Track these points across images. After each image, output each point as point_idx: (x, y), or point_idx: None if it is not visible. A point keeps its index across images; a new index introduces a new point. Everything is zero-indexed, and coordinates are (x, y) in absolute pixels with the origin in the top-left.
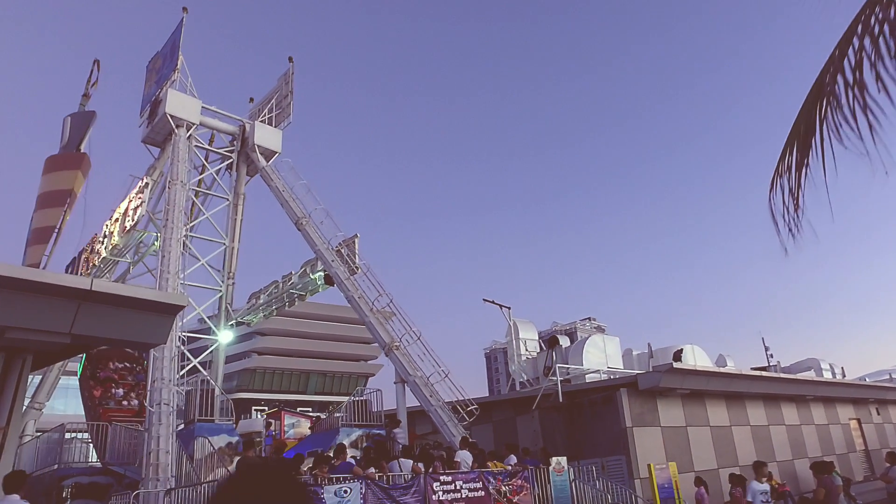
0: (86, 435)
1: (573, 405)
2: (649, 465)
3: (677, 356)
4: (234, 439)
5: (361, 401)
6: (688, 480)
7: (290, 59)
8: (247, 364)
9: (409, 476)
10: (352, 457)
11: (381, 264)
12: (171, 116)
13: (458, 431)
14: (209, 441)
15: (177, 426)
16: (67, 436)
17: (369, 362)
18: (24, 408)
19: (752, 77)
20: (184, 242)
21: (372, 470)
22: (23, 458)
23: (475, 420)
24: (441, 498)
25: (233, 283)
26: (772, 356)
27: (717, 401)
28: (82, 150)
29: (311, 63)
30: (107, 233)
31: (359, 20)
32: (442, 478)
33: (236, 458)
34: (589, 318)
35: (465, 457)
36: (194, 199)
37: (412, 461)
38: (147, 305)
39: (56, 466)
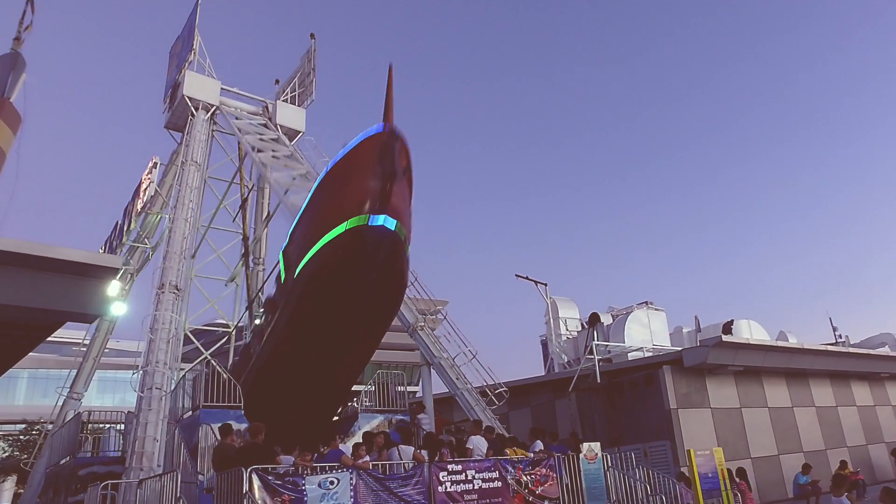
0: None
1: (613, 386)
2: (689, 452)
3: (727, 328)
4: (244, 426)
5: (383, 385)
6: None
7: (312, 37)
8: None
9: (411, 465)
10: (355, 443)
11: (424, 247)
12: (189, 98)
13: (486, 416)
14: (213, 429)
15: (183, 415)
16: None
17: (448, 355)
18: (63, 398)
19: (817, 44)
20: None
21: (367, 458)
22: (53, 447)
23: (513, 405)
24: (449, 489)
25: (262, 270)
26: (840, 336)
27: (777, 379)
28: (9, 99)
29: (337, 42)
30: (127, 218)
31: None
32: (450, 466)
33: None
34: (646, 303)
35: (478, 443)
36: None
37: (414, 448)
38: (66, 267)
39: (70, 457)
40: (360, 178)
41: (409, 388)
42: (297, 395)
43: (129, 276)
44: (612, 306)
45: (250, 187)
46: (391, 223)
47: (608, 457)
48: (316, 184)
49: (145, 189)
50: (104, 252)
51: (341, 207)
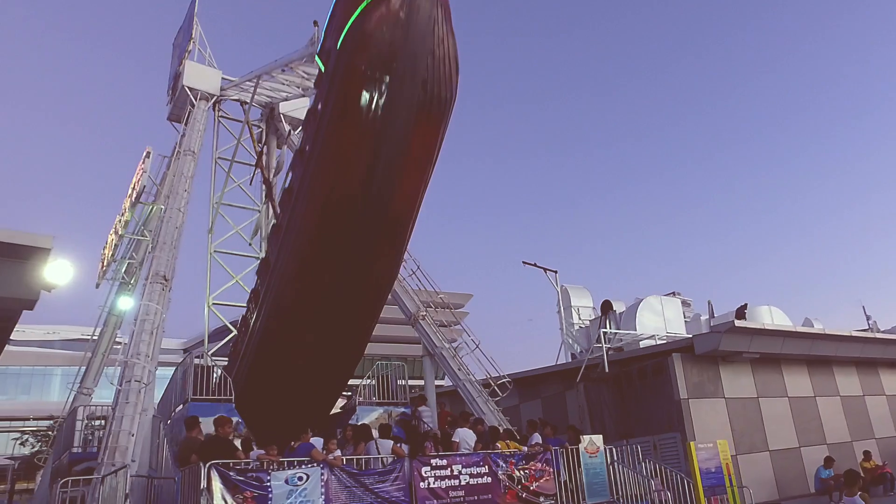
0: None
1: (621, 376)
2: (689, 445)
3: (741, 313)
4: (235, 419)
5: (383, 377)
6: (760, 461)
7: (316, 24)
8: None
9: (389, 459)
10: (327, 436)
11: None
12: (189, 89)
13: (488, 408)
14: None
15: (175, 409)
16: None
17: (450, 345)
18: (74, 393)
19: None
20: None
21: (338, 453)
22: (58, 442)
23: (524, 396)
24: (432, 485)
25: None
26: (875, 323)
27: (798, 367)
28: None
29: None
30: (123, 210)
31: None
32: (434, 461)
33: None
34: (673, 293)
35: (465, 436)
36: (225, 169)
37: (393, 441)
38: None
39: (68, 452)
40: None
41: (414, 382)
42: (295, 354)
43: (136, 269)
44: (638, 297)
45: (263, 140)
46: None
47: (614, 450)
48: None
49: (138, 179)
50: (113, 248)
51: None
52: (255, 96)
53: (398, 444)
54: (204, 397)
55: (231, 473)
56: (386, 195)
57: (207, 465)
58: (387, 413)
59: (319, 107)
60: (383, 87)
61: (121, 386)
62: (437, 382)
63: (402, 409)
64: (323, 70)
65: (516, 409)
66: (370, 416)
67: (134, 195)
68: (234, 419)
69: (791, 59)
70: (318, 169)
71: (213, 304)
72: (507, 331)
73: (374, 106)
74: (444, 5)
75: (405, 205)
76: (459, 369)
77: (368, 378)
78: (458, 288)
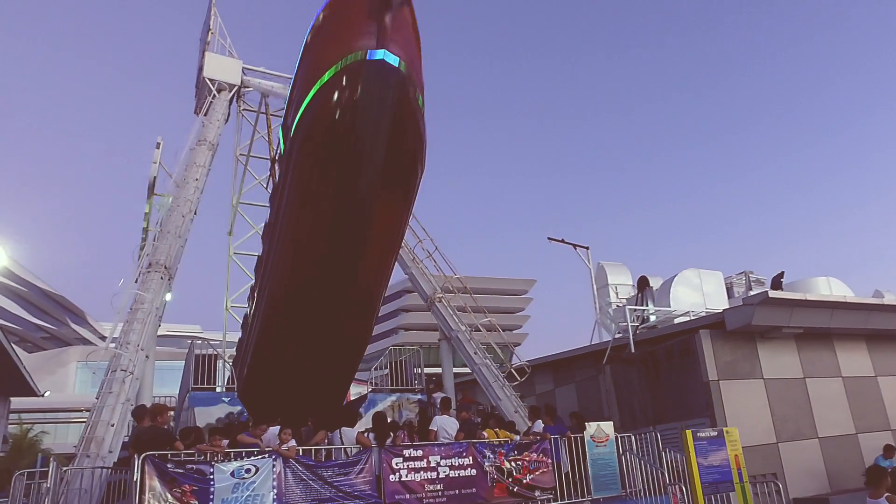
0: None
1: (648, 357)
2: (686, 434)
3: (777, 283)
4: (237, 409)
5: (397, 364)
6: (807, 450)
7: None
8: (394, 340)
9: (354, 450)
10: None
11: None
12: (209, 80)
13: (504, 394)
14: (194, 413)
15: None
16: None
17: (514, 332)
18: None
19: None
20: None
21: (293, 443)
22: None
23: (559, 381)
24: (404, 478)
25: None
26: None
27: (853, 343)
28: None
29: None
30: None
31: None
32: (406, 452)
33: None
34: (744, 273)
35: (445, 424)
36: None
37: (359, 431)
38: None
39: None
40: (350, 14)
41: (433, 370)
42: (299, 341)
43: None
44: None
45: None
46: (393, 59)
47: (633, 438)
48: (304, 40)
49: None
50: (143, 242)
51: (332, 51)
52: (274, 84)
53: (365, 434)
54: (205, 386)
55: (168, 465)
56: (349, 272)
57: (141, 457)
58: (400, 400)
59: (280, 186)
60: (339, 173)
61: (106, 375)
62: (457, 370)
63: (418, 396)
64: (283, 148)
65: (551, 394)
66: (384, 404)
67: (148, 187)
68: (237, 408)
69: (856, 20)
70: (280, 248)
71: (232, 307)
72: (574, 311)
73: (330, 192)
74: (403, 84)
75: (371, 278)
76: (476, 353)
77: (381, 363)
78: (521, 274)
